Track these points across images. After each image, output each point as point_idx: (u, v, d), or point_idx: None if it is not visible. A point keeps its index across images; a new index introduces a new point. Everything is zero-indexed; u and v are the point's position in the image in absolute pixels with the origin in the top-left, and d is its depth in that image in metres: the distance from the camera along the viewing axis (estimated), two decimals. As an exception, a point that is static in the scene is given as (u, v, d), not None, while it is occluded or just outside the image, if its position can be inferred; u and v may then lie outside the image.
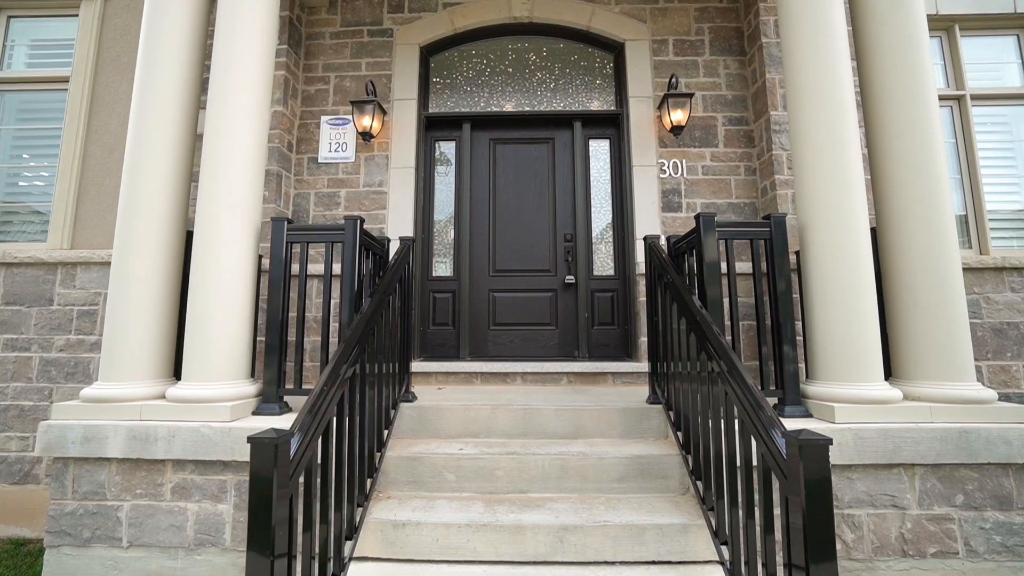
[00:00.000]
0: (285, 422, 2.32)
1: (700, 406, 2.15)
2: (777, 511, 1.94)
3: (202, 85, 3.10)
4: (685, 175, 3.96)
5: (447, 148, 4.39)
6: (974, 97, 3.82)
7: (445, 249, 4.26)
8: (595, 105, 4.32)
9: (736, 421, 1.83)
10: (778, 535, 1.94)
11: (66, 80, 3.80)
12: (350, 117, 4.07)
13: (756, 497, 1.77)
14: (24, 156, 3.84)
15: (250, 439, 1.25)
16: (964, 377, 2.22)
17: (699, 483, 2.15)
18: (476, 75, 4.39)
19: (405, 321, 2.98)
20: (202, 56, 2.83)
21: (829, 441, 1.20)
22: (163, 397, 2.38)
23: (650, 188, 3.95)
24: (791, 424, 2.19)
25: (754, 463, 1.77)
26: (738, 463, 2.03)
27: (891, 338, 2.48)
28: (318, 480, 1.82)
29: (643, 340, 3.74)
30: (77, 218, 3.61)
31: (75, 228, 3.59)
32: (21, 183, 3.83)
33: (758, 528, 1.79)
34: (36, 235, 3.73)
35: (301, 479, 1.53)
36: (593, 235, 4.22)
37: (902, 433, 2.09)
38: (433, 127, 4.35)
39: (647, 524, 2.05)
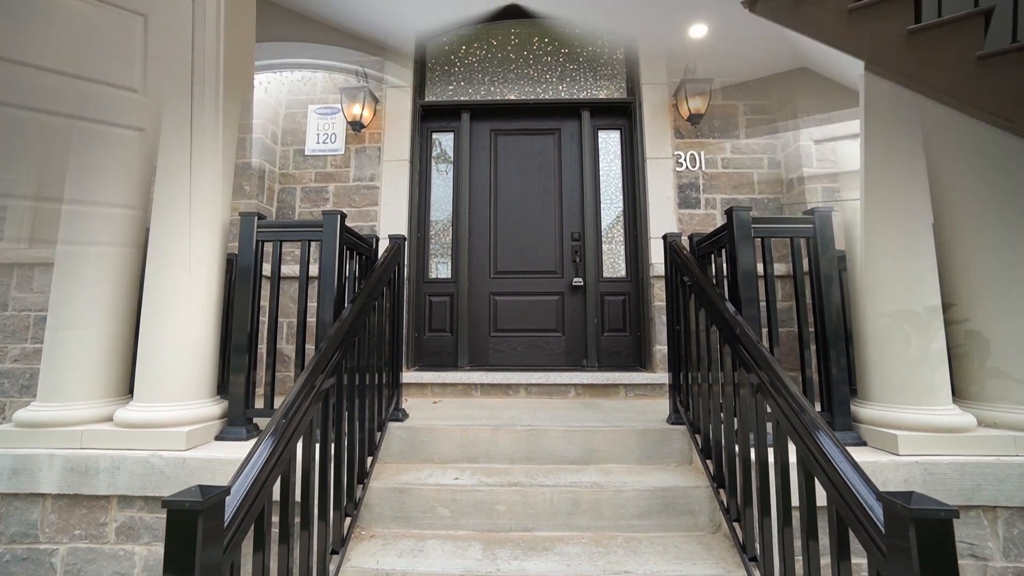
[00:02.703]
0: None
1: (738, 430, 1.81)
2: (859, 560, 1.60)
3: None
4: (704, 168, 3.64)
5: (445, 140, 4.06)
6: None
7: (443, 249, 3.93)
8: (604, 93, 3.99)
9: (793, 454, 1.50)
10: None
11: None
12: (339, 106, 3.75)
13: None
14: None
15: (165, 503, 0.92)
16: (1052, 400, 1.88)
17: (736, 525, 1.82)
18: (476, 62, 4.06)
19: (395, 327, 2.65)
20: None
21: (954, 514, 0.87)
22: (111, 420, 2.06)
23: (665, 182, 3.63)
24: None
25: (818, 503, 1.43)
26: (796, 502, 1.68)
27: (951, 353, 2.14)
28: (277, 518, 1.48)
29: (658, 348, 3.41)
30: (37, 213, 3.28)
31: (34, 224, 3.26)
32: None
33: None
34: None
35: (253, 527, 1.21)
36: (603, 234, 3.88)
37: (982, 468, 1.75)
38: (429, 117, 4.02)
39: (675, 575, 1.72)
